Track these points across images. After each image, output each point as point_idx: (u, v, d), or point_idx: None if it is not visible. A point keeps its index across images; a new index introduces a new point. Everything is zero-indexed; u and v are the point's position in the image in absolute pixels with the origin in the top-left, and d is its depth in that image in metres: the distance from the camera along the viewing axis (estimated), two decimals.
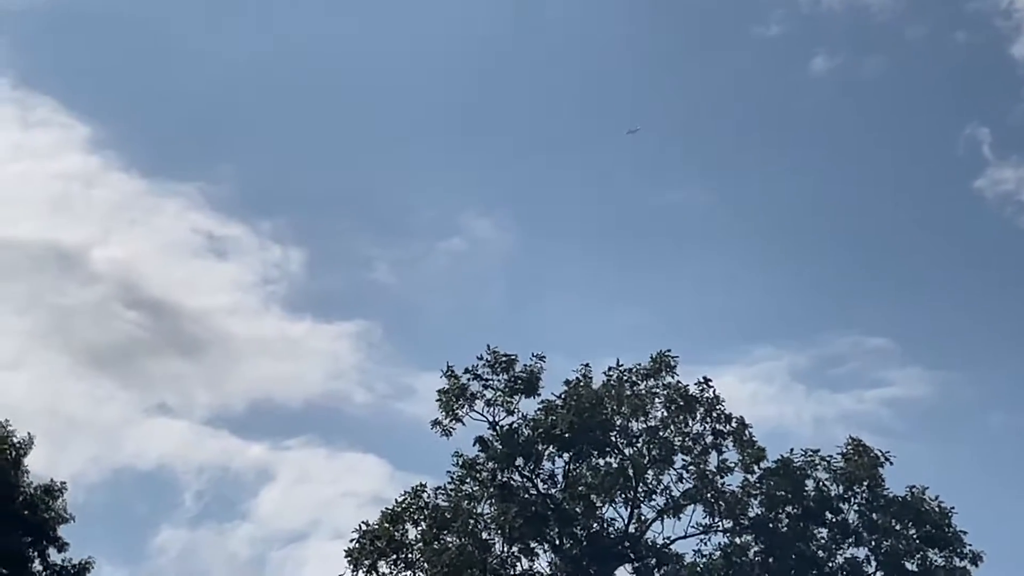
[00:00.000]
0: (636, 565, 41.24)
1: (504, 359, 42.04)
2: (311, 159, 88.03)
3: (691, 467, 41.66)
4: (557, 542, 41.45)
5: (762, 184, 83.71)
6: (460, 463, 41.86)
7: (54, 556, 40.30)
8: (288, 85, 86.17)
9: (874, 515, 41.40)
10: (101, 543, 41.14)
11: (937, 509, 41.39)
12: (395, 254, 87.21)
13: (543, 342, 72.52)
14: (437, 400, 41.82)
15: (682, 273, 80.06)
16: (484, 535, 41.31)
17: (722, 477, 41.60)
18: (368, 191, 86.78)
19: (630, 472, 41.65)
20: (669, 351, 42.63)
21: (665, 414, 42.06)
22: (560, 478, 42.00)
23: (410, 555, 41.41)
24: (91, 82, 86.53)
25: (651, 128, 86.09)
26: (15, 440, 39.69)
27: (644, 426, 42.05)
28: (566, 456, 42.04)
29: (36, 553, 40.03)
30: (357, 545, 41.19)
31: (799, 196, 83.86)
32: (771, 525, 41.37)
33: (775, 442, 42.42)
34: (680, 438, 41.97)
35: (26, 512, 39.68)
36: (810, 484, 41.79)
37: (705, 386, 42.07)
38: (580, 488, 41.86)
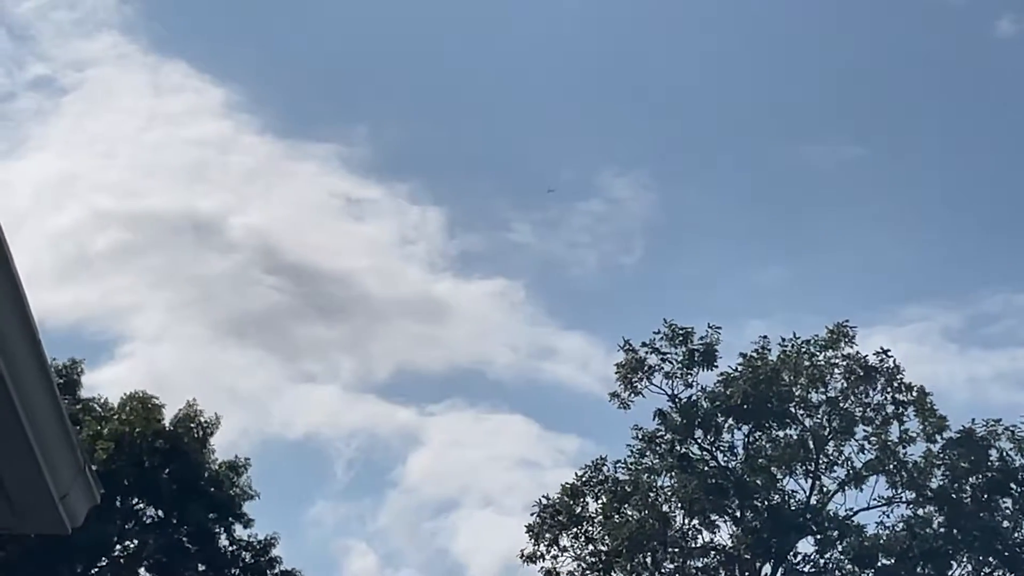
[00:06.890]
0: (818, 537, 40.87)
1: (681, 332, 41.78)
2: (446, 120, 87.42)
3: (872, 438, 41.25)
4: (738, 514, 41.23)
5: (917, 141, 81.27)
6: (640, 436, 41.78)
7: (239, 532, 40.96)
8: (424, 44, 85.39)
9: None
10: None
11: None
12: (534, 215, 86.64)
13: (683, 302, 72.54)
14: (615, 373, 41.76)
15: (827, 231, 78.48)
16: (664, 508, 41.24)
17: (904, 448, 41.18)
18: (505, 152, 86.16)
19: (810, 444, 41.34)
20: (847, 321, 42.13)
21: (844, 385, 41.64)
22: (740, 450, 41.80)
23: (590, 528, 41.51)
24: (223, 44, 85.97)
25: (800, 84, 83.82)
26: (203, 419, 40.24)
27: (823, 397, 41.70)
28: (745, 428, 41.78)
29: (222, 529, 40.64)
30: (538, 519, 41.30)
31: (952, 154, 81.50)
32: (954, 496, 40.83)
33: None
34: (860, 409, 41.58)
35: (212, 489, 40.26)
36: (994, 454, 41.15)
37: (884, 356, 41.58)
38: (760, 460, 41.54)
